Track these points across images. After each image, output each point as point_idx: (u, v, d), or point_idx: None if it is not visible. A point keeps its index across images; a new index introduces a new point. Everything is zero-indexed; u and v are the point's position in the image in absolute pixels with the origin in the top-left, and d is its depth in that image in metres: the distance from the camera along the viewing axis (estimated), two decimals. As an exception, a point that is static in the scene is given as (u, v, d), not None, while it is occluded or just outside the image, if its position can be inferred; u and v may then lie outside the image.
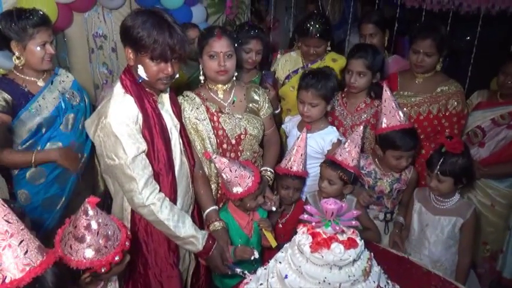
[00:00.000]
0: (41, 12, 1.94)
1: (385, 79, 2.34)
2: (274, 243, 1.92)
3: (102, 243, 1.22)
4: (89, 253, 1.20)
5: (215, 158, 1.83)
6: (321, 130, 2.20)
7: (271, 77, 2.44)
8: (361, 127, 2.05)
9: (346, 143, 2.01)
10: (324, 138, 2.17)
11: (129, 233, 1.32)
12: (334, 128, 2.25)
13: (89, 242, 1.20)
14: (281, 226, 2.21)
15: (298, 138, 2.05)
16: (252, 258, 1.80)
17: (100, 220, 1.22)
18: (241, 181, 1.81)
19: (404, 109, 2.30)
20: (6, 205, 0.96)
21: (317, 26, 2.48)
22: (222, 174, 1.83)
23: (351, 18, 4.22)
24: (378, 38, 2.71)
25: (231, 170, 1.81)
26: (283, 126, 2.43)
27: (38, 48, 1.91)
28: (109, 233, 1.24)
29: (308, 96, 2.13)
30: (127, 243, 1.28)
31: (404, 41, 3.77)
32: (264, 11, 4.77)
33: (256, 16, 4.66)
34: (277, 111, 2.46)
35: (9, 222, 0.95)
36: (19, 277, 0.94)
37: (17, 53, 1.92)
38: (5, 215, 0.95)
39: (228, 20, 3.93)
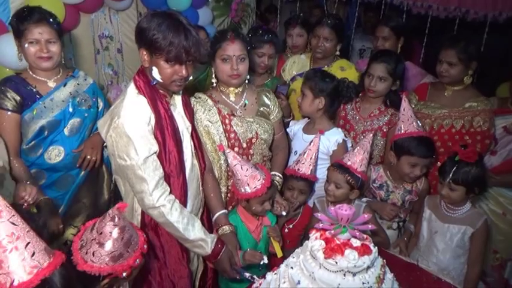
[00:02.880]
0: (39, 10, 1.91)
1: (403, 90, 2.35)
2: (279, 254, 1.91)
3: (125, 248, 1.21)
4: (112, 259, 1.19)
5: (229, 152, 1.82)
6: (326, 131, 2.20)
7: (285, 89, 2.47)
8: (371, 134, 2.05)
9: (356, 149, 2.01)
10: (329, 139, 2.18)
11: (144, 235, 1.31)
12: (340, 129, 2.26)
13: (113, 248, 1.19)
14: (287, 231, 2.20)
15: (310, 142, 2.05)
16: (262, 263, 1.78)
17: (124, 225, 1.21)
18: (250, 181, 1.80)
19: (427, 120, 2.30)
20: (11, 207, 0.95)
21: (331, 18, 2.54)
22: (233, 169, 1.82)
23: (355, 23, 4.22)
24: (391, 42, 2.70)
25: (242, 168, 1.80)
26: (288, 129, 2.43)
27: (26, 45, 1.88)
28: (130, 237, 1.23)
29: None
30: (145, 246, 1.28)
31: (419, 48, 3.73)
32: (274, 12, 4.75)
33: (262, 19, 4.67)
34: (288, 120, 2.48)
35: (15, 225, 0.94)
36: (27, 279, 0.93)
37: (17, 50, 1.93)
38: (10, 218, 0.94)
39: (233, 23, 3.93)
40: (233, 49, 1.89)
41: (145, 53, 1.62)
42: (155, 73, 1.63)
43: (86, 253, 1.18)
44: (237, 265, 1.78)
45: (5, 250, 0.92)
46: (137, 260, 1.24)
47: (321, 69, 2.53)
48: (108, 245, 1.18)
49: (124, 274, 1.22)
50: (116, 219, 1.18)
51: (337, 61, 2.67)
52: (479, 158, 1.91)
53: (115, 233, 1.18)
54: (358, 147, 2.00)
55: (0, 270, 0.92)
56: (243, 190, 1.82)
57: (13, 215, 0.95)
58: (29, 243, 0.95)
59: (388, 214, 2.13)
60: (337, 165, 2.02)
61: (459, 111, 2.28)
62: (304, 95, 2.19)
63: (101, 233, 1.18)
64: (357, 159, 1.98)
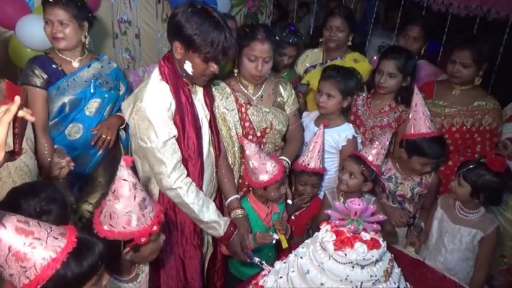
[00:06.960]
0: None
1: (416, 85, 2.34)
2: (285, 245, 1.94)
3: (140, 211, 1.22)
4: (128, 222, 1.21)
5: (247, 143, 1.86)
6: (337, 126, 2.24)
7: (305, 88, 2.48)
8: (389, 133, 2.06)
9: (375, 143, 2.05)
10: (339, 134, 2.21)
11: (161, 206, 1.33)
12: (351, 125, 2.28)
13: (127, 206, 1.19)
14: (293, 218, 2.23)
15: (315, 134, 2.09)
16: (273, 241, 1.84)
17: (135, 181, 1.22)
18: (268, 169, 1.85)
19: (438, 119, 2.29)
20: None
21: (342, 9, 2.58)
22: (250, 161, 1.85)
23: (373, 18, 4.18)
24: (419, 44, 2.70)
25: (260, 157, 1.84)
26: (300, 120, 2.45)
27: (43, 24, 1.95)
28: (143, 200, 1.23)
29: (326, 85, 2.18)
30: (162, 215, 1.29)
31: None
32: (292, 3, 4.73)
33: (279, 10, 4.64)
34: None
35: (15, 215, 0.95)
36: (67, 240, 0.96)
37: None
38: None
39: (249, 13, 3.92)
40: (261, 50, 1.88)
41: (179, 46, 1.63)
42: (187, 67, 1.66)
43: (104, 217, 1.22)
44: (249, 248, 1.83)
45: (28, 234, 0.92)
46: (155, 227, 1.25)
47: (334, 62, 2.55)
48: (123, 203, 1.18)
49: (142, 239, 1.23)
50: (123, 173, 1.19)
51: (350, 53, 2.68)
52: (504, 172, 1.86)
53: (126, 187, 1.19)
54: (377, 143, 2.04)
55: (25, 263, 0.92)
56: (261, 178, 1.85)
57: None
58: (39, 222, 0.97)
59: (397, 219, 2.15)
60: (354, 156, 2.06)
61: (468, 109, 2.27)
62: (331, 96, 2.18)
63: (114, 191, 1.20)
64: (373, 153, 2.02)
